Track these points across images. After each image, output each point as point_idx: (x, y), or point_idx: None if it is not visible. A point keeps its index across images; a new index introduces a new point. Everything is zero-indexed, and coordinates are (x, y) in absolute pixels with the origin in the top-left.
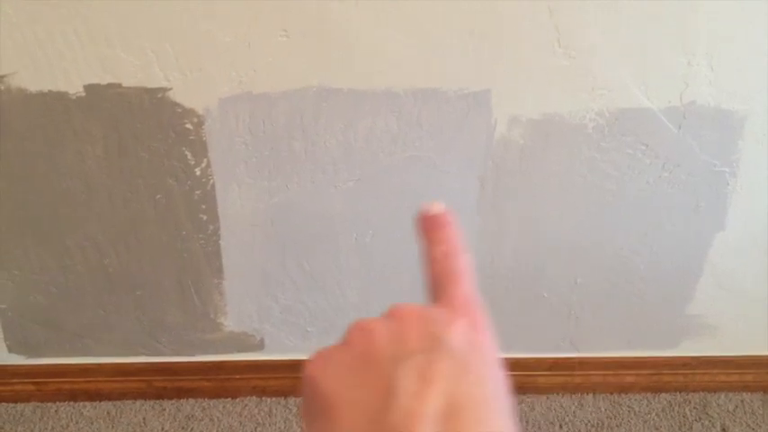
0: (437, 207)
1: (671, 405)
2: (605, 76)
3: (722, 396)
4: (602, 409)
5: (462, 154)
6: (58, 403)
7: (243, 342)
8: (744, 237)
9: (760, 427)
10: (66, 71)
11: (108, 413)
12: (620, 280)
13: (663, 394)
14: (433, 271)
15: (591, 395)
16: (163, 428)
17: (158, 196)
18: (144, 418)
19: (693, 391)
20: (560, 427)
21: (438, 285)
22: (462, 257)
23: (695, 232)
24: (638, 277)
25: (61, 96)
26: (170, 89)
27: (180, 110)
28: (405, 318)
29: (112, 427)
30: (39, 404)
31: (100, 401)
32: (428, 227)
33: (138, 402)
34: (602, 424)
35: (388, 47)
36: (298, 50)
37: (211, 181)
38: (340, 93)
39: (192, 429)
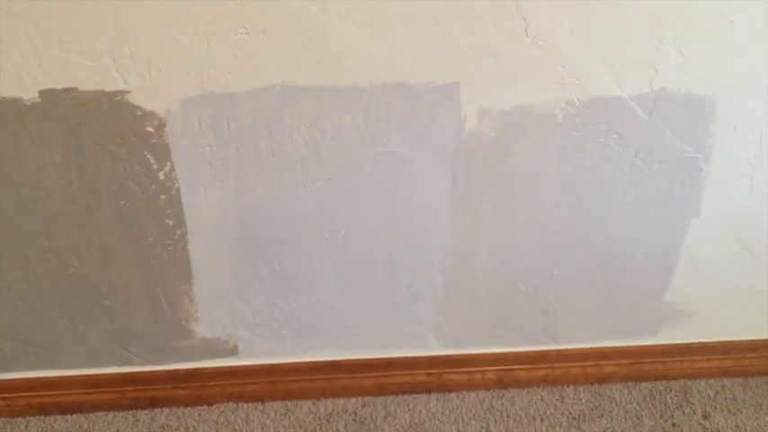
0: None
1: (652, 393)
2: (575, 65)
3: (703, 382)
4: (584, 401)
5: (433, 148)
6: (27, 418)
7: (216, 348)
8: (719, 222)
9: (741, 411)
10: (19, 77)
11: (80, 426)
12: (596, 270)
13: (643, 383)
14: None
15: (572, 387)
16: None
17: (122, 202)
18: (117, 430)
19: (674, 379)
20: (542, 420)
21: None
22: None
23: (670, 220)
24: (615, 267)
25: (15, 103)
26: (129, 92)
27: (140, 113)
28: None
29: None
30: (8, 419)
31: (71, 414)
32: None
33: (111, 414)
34: (584, 415)
35: (353, 41)
36: (259, 48)
37: (176, 185)
38: (305, 90)
39: None
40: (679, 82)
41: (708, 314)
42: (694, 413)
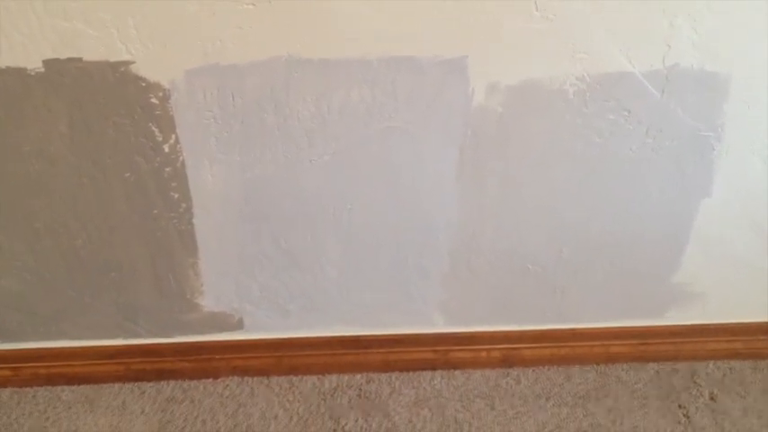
0: None
1: (659, 374)
2: (585, 40)
3: (710, 364)
4: (590, 380)
5: (440, 123)
6: (35, 388)
7: (222, 322)
8: (730, 203)
9: (749, 394)
10: (24, 46)
11: (86, 397)
12: (604, 250)
13: (650, 364)
14: None
15: (578, 366)
16: (143, 411)
17: (127, 174)
18: (123, 402)
19: (681, 360)
20: (547, 399)
21: None
22: None
23: (681, 199)
24: (624, 246)
25: (20, 72)
26: (133, 62)
27: (144, 84)
28: None
29: (91, 410)
30: (16, 389)
31: (78, 385)
32: None
33: (117, 385)
34: (590, 395)
35: (360, 14)
36: (265, 19)
37: (181, 158)
38: (311, 63)
39: (172, 411)
40: (692, 58)
41: (717, 295)
42: (701, 395)
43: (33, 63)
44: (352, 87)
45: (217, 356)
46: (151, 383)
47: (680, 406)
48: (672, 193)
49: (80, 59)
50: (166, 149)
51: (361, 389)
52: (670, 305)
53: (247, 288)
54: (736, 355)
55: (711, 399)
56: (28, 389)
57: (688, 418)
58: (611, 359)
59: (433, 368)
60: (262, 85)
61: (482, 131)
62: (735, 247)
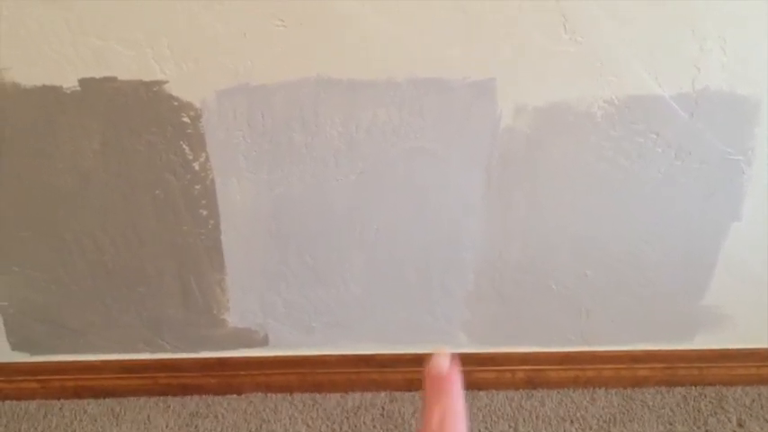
0: (443, 363)
1: (686, 399)
2: (614, 63)
3: (739, 390)
4: (615, 404)
5: (467, 145)
6: (62, 400)
7: (247, 338)
8: (760, 227)
9: None
10: (59, 65)
11: (112, 410)
12: (631, 271)
13: (677, 388)
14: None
15: (603, 389)
16: (167, 425)
17: (157, 191)
18: (148, 416)
19: (709, 385)
20: (571, 422)
21: None
22: (458, 428)
23: (709, 222)
24: (650, 269)
25: (56, 91)
26: (166, 82)
27: (176, 103)
28: None
29: (117, 424)
30: (43, 401)
31: (104, 398)
32: (431, 383)
33: (143, 399)
34: (615, 419)
35: (388, 35)
36: (295, 40)
37: (211, 175)
38: (340, 83)
39: (196, 426)
40: (722, 82)
41: (746, 320)
42: (729, 421)
43: (69, 82)
44: (379, 108)
45: (241, 372)
46: (176, 398)
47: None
48: (700, 215)
49: (115, 78)
50: (196, 167)
51: (384, 408)
52: (698, 329)
53: (272, 304)
54: (764, 380)
55: (739, 425)
56: (54, 401)
57: None
58: (638, 383)
59: None
60: (291, 104)
61: (509, 153)
62: (764, 270)
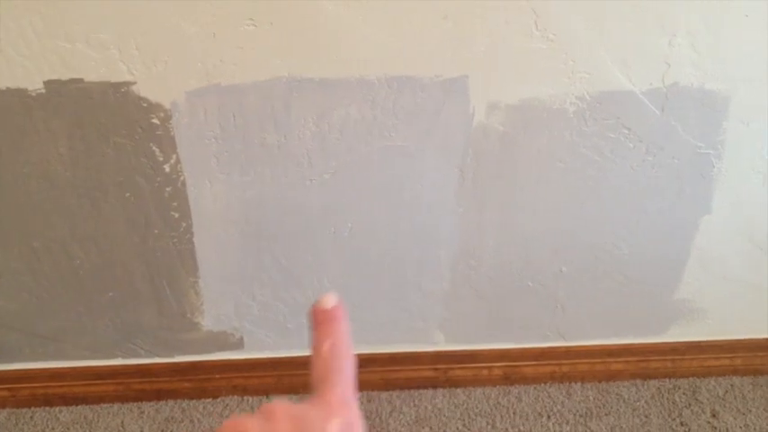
0: (329, 301)
1: (660, 392)
2: (585, 59)
3: (712, 381)
4: (591, 398)
5: (440, 142)
6: (32, 408)
7: (221, 341)
8: (730, 220)
9: (750, 411)
10: (24, 67)
11: (85, 417)
12: (605, 267)
13: (651, 381)
14: (316, 366)
15: (579, 384)
16: (141, 431)
17: (127, 194)
18: (122, 422)
19: (683, 377)
20: (548, 417)
21: (319, 381)
22: (346, 357)
23: (681, 216)
24: (624, 264)
25: (21, 93)
26: (134, 83)
27: (146, 104)
28: (277, 417)
29: (89, 431)
30: (13, 410)
31: (76, 405)
32: (318, 321)
33: (116, 406)
34: (591, 413)
35: (360, 33)
36: (266, 39)
37: (182, 177)
38: (311, 82)
39: (171, 431)
40: (692, 77)
41: (718, 312)
42: (703, 412)
43: (34, 84)
44: (352, 106)
45: (216, 376)
46: (151, 403)
47: (682, 423)
48: (672, 210)
49: (81, 80)
50: (167, 169)
51: (361, 408)
52: (671, 322)
53: (247, 307)
54: (736, 371)
55: (713, 416)
56: (25, 409)
57: None
58: (613, 376)
59: (434, 386)
60: (262, 104)
61: (482, 150)
62: (735, 263)
